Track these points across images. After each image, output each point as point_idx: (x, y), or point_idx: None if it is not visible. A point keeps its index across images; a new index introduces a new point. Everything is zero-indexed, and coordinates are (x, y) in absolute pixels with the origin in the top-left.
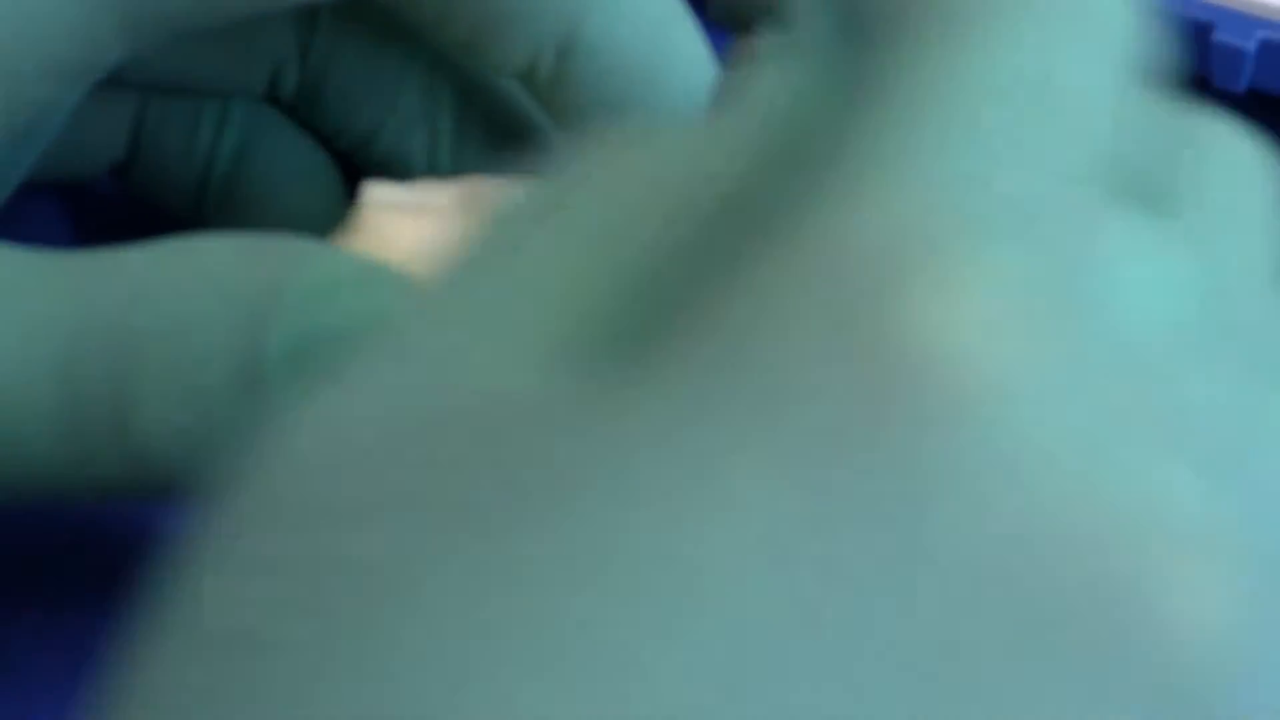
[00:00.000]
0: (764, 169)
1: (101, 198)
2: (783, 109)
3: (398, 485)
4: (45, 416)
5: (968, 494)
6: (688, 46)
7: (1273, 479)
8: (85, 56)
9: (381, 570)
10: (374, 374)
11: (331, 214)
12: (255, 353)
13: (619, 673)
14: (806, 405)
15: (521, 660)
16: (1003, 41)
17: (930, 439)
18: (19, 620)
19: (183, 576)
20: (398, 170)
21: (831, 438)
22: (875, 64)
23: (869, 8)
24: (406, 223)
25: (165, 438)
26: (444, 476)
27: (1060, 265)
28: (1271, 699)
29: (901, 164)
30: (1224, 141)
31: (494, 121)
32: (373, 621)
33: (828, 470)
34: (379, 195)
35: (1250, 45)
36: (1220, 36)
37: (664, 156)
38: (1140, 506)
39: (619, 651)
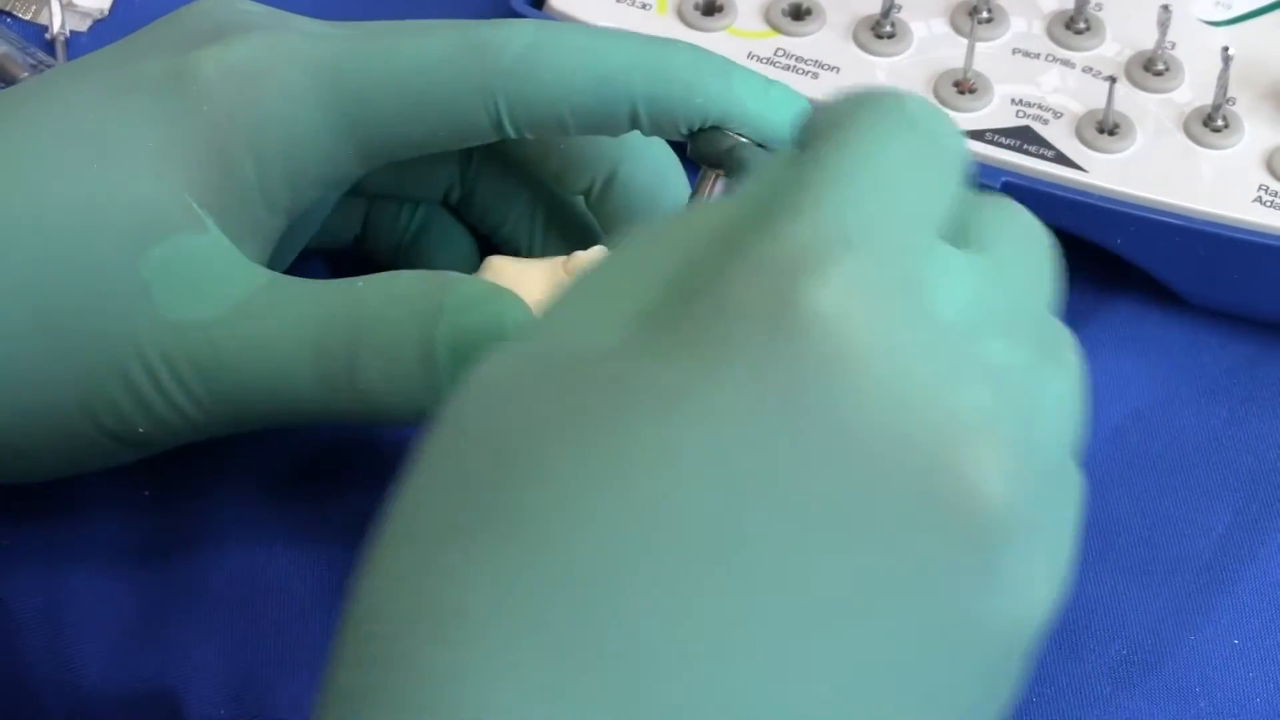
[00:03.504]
0: (737, 223)
1: (347, 254)
2: (747, 196)
3: (538, 401)
4: (303, 373)
5: (845, 403)
6: (676, 177)
7: (1037, 404)
8: (335, 173)
9: (529, 441)
10: (529, 335)
11: (469, 271)
12: (430, 337)
13: (639, 477)
14: (746, 349)
15: (589, 476)
16: (874, 147)
17: (821, 371)
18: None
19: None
20: (512, 250)
21: (763, 370)
22: (801, 163)
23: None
24: (516, 268)
25: (378, 386)
26: (561, 394)
27: (899, 271)
28: (1033, 536)
29: (804, 212)
30: (1012, 210)
31: (568, 222)
32: (523, 463)
33: (761, 383)
34: (497, 261)
35: (997, 184)
36: (980, 179)
37: (681, 224)
38: (953, 411)
39: (638, 472)
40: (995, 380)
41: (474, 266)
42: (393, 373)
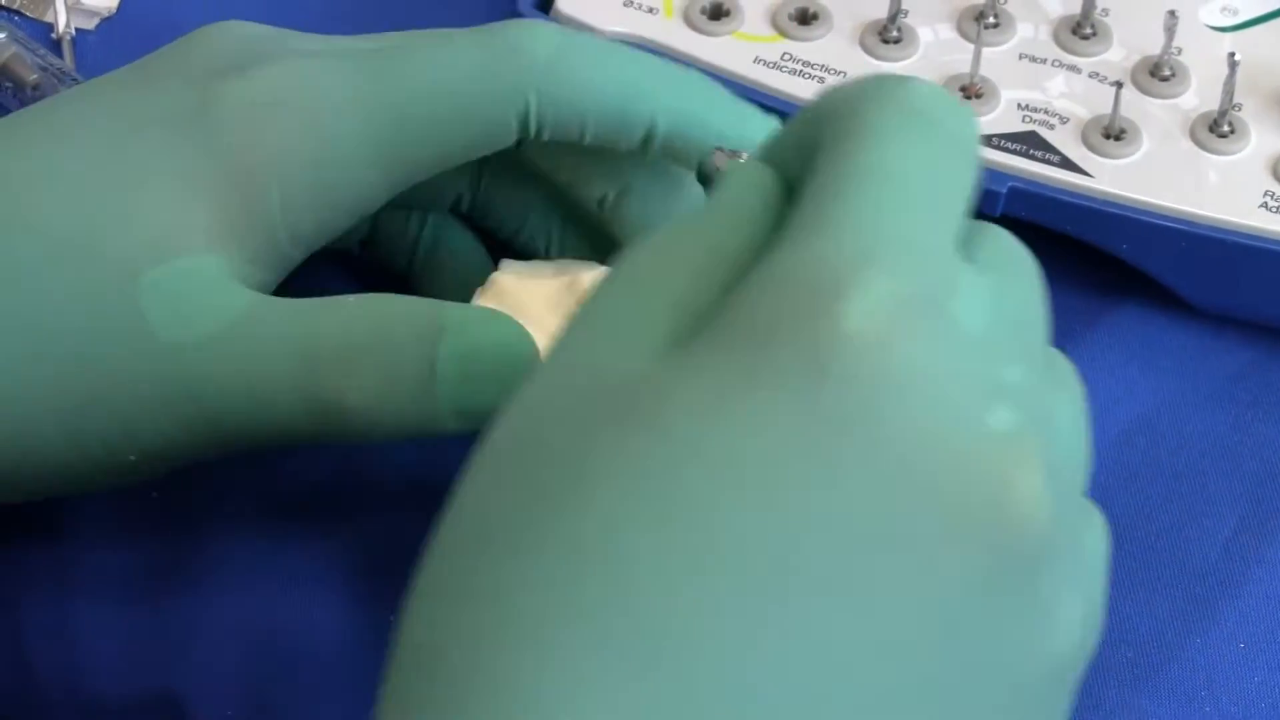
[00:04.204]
0: (755, 235)
1: (354, 259)
2: (759, 201)
3: (587, 419)
4: (289, 392)
5: (878, 428)
6: (691, 192)
7: (1053, 427)
8: (363, 200)
9: (566, 463)
10: (559, 360)
11: (480, 277)
12: (431, 355)
13: (690, 492)
14: (783, 376)
15: (636, 499)
16: (897, 153)
17: (862, 391)
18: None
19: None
20: (530, 253)
21: (804, 391)
22: (817, 172)
23: (814, 143)
24: (520, 285)
25: (371, 406)
26: (608, 411)
27: (926, 285)
28: (1067, 563)
29: (831, 228)
30: (1005, 235)
31: (586, 224)
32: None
33: (804, 403)
34: (511, 266)
35: (1003, 189)
36: (985, 184)
37: (684, 237)
38: (982, 430)
39: (695, 496)
40: (1018, 400)
41: (486, 273)
42: (389, 391)
